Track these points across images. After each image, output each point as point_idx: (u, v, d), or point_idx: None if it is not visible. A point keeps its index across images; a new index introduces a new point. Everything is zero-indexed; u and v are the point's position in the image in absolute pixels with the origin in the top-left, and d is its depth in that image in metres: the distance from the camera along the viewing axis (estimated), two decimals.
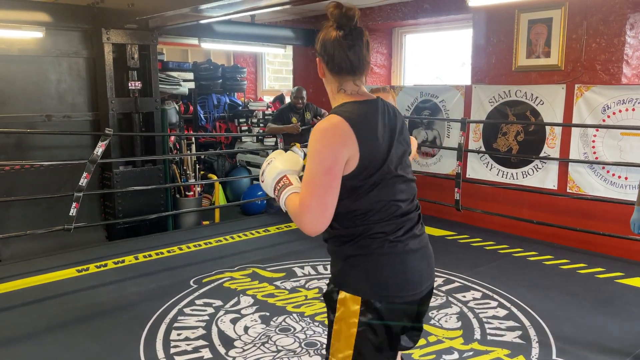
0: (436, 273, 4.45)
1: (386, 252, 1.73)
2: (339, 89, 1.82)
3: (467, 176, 5.98)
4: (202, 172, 7.21)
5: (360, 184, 1.71)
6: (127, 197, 5.70)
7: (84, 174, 4.85)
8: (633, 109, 4.73)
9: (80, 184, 4.83)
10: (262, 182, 1.87)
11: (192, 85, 8.19)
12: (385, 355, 1.80)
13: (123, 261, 4.82)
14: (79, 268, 4.62)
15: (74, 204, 4.81)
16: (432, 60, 7.28)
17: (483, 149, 5.87)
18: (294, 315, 3.64)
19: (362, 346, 1.74)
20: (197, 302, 3.87)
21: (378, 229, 1.73)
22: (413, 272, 1.77)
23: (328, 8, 1.73)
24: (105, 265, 4.72)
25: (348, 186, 1.70)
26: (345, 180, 1.69)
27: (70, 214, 4.81)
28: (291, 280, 4.33)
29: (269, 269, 4.59)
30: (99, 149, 4.92)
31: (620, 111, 4.82)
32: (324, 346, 3.21)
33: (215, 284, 4.25)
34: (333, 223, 1.73)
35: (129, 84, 5.65)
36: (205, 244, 5.36)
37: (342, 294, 1.75)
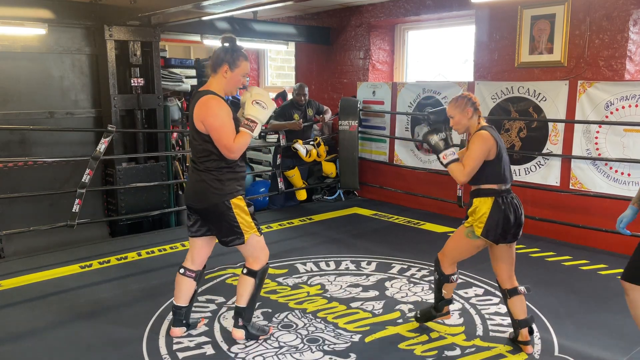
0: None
1: None
2: None
3: None
4: None
5: None
6: (129, 194, 5.71)
7: (87, 171, 4.87)
8: (636, 105, 4.71)
9: (83, 180, 4.85)
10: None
11: (194, 82, 8.17)
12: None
13: (126, 257, 4.83)
14: (82, 264, 4.63)
15: (76, 201, 4.82)
16: (435, 56, 7.26)
17: None
18: (296, 311, 3.65)
19: None
20: (200, 298, 3.88)
21: None
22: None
23: None
24: (108, 261, 4.73)
25: None
26: None
27: (73, 210, 4.82)
28: (293, 276, 4.34)
29: (271, 265, 4.58)
30: (102, 146, 4.93)
31: (623, 107, 4.81)
32: (326, 342, 3.22)
33: (218, 280, 4.26)
34: None
35: (132, 81, 5.66)
36: None
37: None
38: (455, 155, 3.09)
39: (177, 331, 3.31)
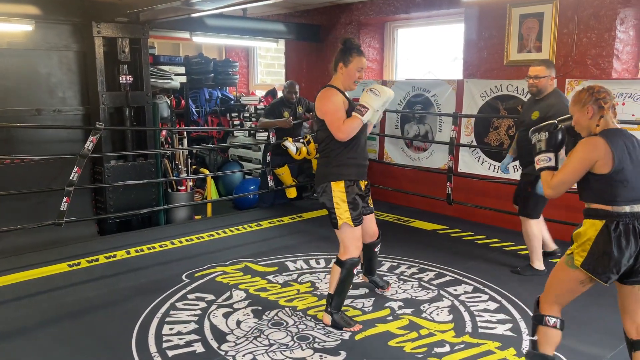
0: (427, 266, 4.48)
1: None
2: None
3: (458, 170, 6.00)
4: (194, 167, 7.19)
5: None
6: (118, 192, 5.68)
7: (75, 169, 4.83)
8: (623, 104, 4.75)
9: (71, 178, 4.81)
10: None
11: (183, 79, 8.14)
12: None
13: (115, 256, 4.80)
14: (70, 263, 4.60)
15: (64, 199, 4.78)
16: (424, 54, 7.28)
17: (475, 143, 5.89)
18: (286, 309, 3.64)
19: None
20: (190, 296, 3.87)
21: None
22: None
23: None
24: (97, 260, 4.70)
25: None
26: None
27: (61, 208, 4.78)
28: (283, 274, 4.34)
29: (261, 263, 4.60)
30: (90, 144, 4.89)
31: None
32: (316, 340, 3.23)
33: (208, 278, 4.25)
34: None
35: (120, 78, 5.62)
36: (197, 238, 5.35)
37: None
38: (550, 162, 2.53)
39: None
